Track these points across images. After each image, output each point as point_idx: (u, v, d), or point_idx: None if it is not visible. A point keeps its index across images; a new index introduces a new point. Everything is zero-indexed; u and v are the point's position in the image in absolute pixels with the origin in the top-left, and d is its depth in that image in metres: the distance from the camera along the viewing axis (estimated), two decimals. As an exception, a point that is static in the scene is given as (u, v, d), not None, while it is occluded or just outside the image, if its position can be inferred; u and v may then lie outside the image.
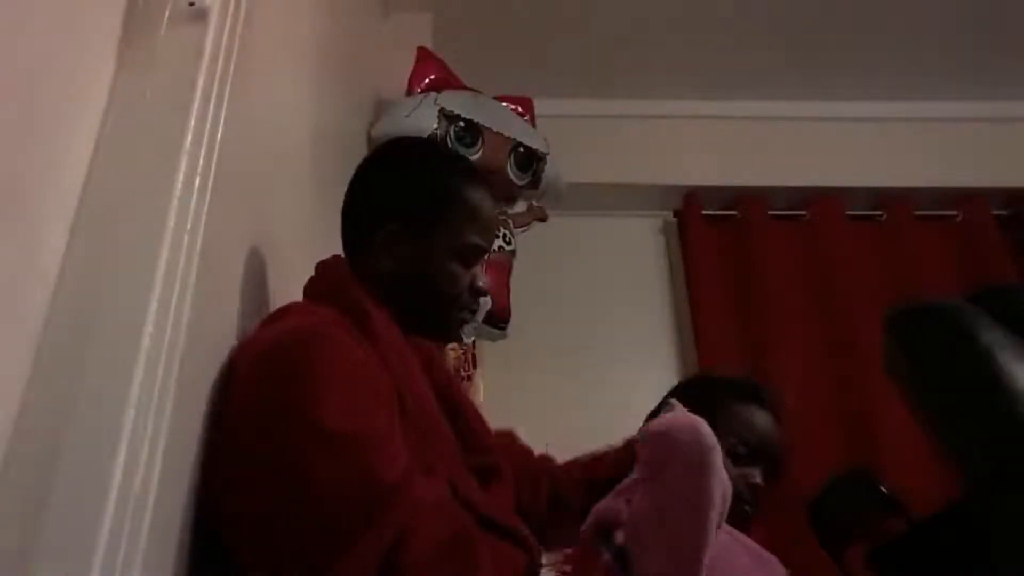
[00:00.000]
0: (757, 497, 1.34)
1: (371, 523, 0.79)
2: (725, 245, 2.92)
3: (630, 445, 1.17)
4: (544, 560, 1.00)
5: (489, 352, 2.50)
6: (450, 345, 2.17)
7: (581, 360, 2.77)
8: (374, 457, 0.84)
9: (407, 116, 2.20)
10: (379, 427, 0.87)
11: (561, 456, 2.66)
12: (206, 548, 0.89)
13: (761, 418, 1.38)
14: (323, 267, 1.11)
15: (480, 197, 1.12)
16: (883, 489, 1.28)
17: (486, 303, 2.07)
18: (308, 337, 0.90)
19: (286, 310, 1.03)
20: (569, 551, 1.06)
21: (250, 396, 0.89)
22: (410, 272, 1.06)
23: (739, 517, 1.28)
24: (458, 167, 1.16)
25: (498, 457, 1.10)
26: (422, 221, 1.07)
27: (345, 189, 1.18)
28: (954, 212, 2.97)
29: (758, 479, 1.34)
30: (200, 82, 0.90)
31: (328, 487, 0.81)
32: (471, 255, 1.09)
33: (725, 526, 1.15)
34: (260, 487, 0.84)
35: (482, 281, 1.11)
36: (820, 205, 2.92)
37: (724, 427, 1.27)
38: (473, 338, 2.23)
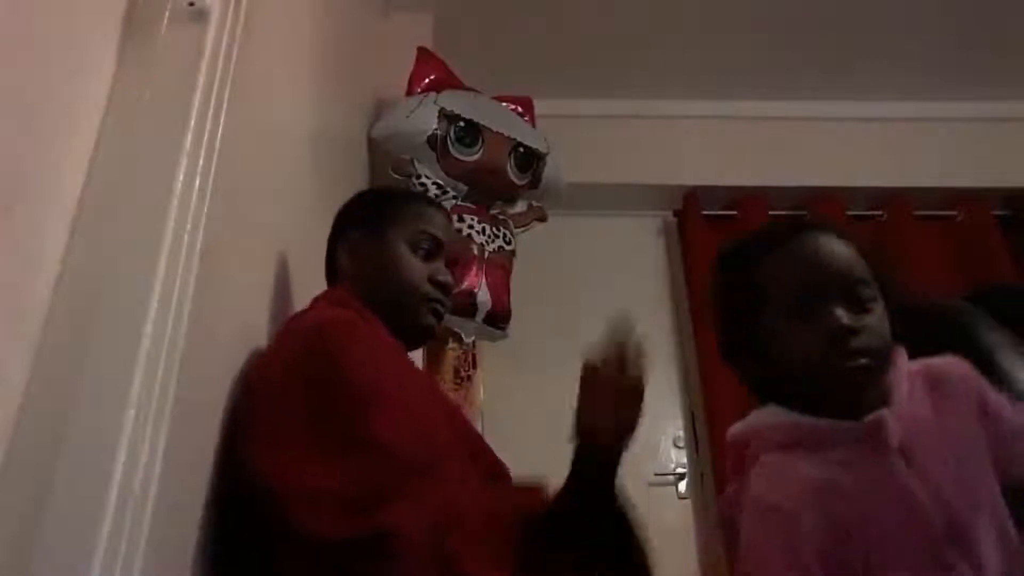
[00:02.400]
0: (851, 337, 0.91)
1: (429, 476, 0.88)
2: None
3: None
4: None
5: (489, 352, 2.50)
6: (450, 345, 2.17)
7: (581, 360, 2.76)
8: (425, 424, 0.95)
9: (407, 116, 2.20)
10: (414, 398, 0.98)
11: (561, 457, 2.65)
12: (206, 547, 0.89)
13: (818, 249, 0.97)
14: (330, 294, 1.17)
15: (427, 203, 1.25)
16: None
17: (477, 305, 2.13)
18: (341, 323, 1.01)
19: (309, 311, 1.11)
20: None
21: (295, 369, 0.96)
22: (371, 267, 1.16)
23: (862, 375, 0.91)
24: (406, 191, 1.33)
25: (503, 468, 1.13)
26: (375, 222, 1.19)
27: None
28: (954, 212, 2.97)
29: (844, 320, 0.91)
30: (200, 82, 0.90)
31: (391, 435, 0.89)
32: (425, 245, 1.17)
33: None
34: (322, 441, 0.89)
35: (443, 275, 1.18)
36: (820, 205, 2.92)
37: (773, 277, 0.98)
38: (473, 338, 2.23)
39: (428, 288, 1.15)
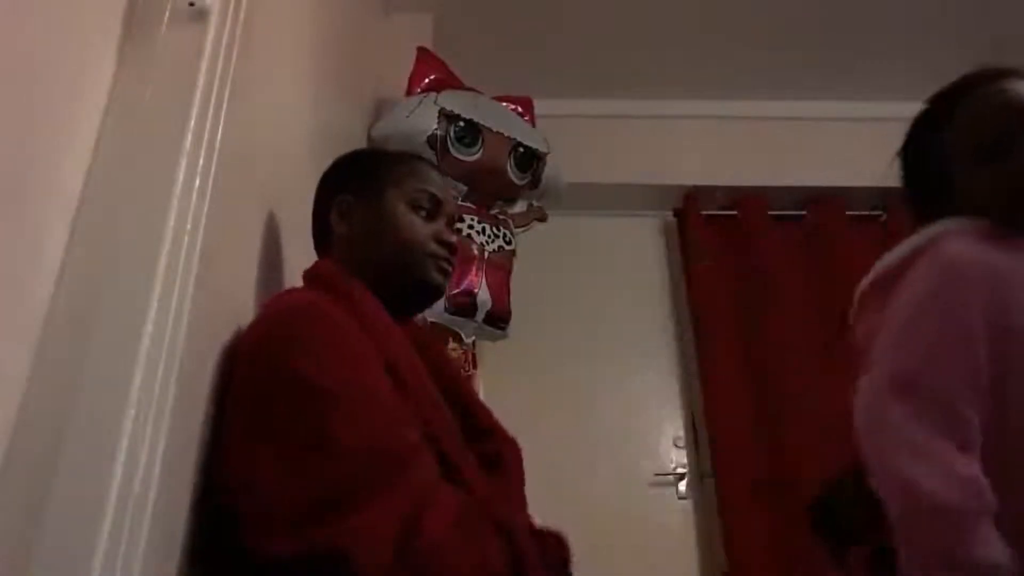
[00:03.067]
0: None
1: (396, 478, 0.83)
2: (725, 245, 2.92)
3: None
4: None
5: (489, 352, 2.50)
6: (450, 345, 2.17)
7: (581, 360, 2.77)
8: (394, 415, 0.90)
9: (407, 116, 2.20)
10: (386, 390, 0.92)
11: (561, 457, 2.65)
12: (206, 546, 0.89)
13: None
14: (312, 269, 1.13)
15: (421, 161, 1.21)
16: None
17: (477, 305, 2.13)
18: (303, 310, 0.97)
19: (281, 294, 1.08)
20: None
21: (257, 366, 0.92)
22: (369, 230, 1.11)
23: None
24: (395, 150, 1.25)
25: (500, 444, 1.11)
26: (370, 184, 1.14)
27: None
28: (954, 212, 2.96)
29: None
30: (200, 82, 0.90)
31: (352, 439, 0.84)
32: (425, 204, 1.13)
33: None
34: (279, 445, 0.85)
35: (448, 235, 1.14)
36: (820, 205, 2.92)
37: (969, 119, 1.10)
38: (473, 338, 2.23)
39: (434, 247, 1.11)
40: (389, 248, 1.10)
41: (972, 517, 0.83)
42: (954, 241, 1.01)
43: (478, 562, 0.83)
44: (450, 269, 1.14)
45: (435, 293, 1.14)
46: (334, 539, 0.78)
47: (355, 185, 1.15)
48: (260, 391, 0.90)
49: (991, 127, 1.06)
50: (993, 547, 0.82)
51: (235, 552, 0.85)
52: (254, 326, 1.00)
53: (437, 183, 1.17)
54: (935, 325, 0.94)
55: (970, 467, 0.84)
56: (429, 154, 2.17)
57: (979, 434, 0.87)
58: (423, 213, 1.13)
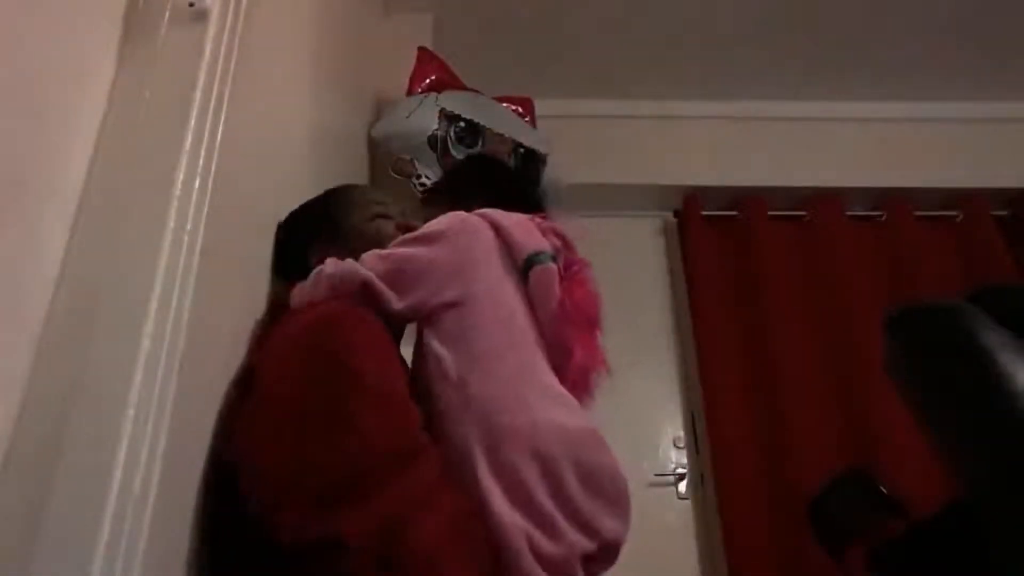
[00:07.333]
0: None
1: (405, 470, 0.88)
2: (725, 245, 2.92)
3: None
4: None
5: (489, 352, 2.50)
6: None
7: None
8: (411, 416, 0.95)
9: (407, 116, 2.20)
10: (407, 393, 0.98)
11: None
12: (206, 546, 0.89)
13: None
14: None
15: (357, 187, 1.36)
16: (883, 489, 1.28)
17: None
18: (343, 315, 1.02)
19: (311, 306, 1.09)
20: None
21: (295, 361, 0.95)
22: (352, 255, 1.16)
23: None
24: (333, 189, 1.38)
25: None
26: (333, 226, 1.25)
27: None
28: (954, 212, 2.97)
29: None
30: (200, 82, 0.90)
31: (371, 433, 0.89)
32: (381, 210, 1.29)
33: None
34: (301, 435, 0.88)
35: (409, 221, 1.29)
36: (820, 205, 2.92)
37: None
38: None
39: (400, 233, 1.23)
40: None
41: None
42: None
43: (466, 567, 0.87)
44: None
45: None
46: (329, 531, 0.82)
47: (322, 230, 1.25)
48: (300, 386, 0.93)
49: None
50: None
51: (247, 537, 0.88)
52: (290, 327, 1.02)
53: (378, 194, 1.36)
54: None
55: None
56: (429, 154, 2.17)
57: None
58: (383, 218, 1.28)
